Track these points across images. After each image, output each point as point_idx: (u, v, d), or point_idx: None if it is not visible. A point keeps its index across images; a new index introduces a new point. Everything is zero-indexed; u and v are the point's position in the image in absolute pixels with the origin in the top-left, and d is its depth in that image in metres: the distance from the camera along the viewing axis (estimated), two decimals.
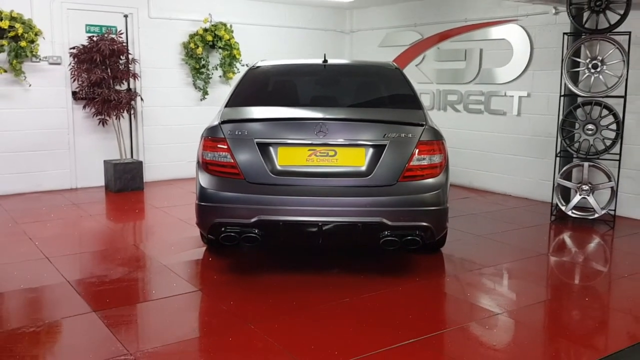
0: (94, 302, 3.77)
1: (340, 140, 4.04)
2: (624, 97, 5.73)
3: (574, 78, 6.11)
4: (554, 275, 4.68)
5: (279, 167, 4.05)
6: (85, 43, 7.13)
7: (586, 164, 6.00)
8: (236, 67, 8.43)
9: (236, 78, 8.38)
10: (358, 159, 4.06)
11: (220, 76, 8.51)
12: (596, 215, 5.96)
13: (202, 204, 4.15)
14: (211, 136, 4.19)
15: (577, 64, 6.03)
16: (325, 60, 5.06)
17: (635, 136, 6.00)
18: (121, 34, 7.45)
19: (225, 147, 4.10)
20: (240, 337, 3.29)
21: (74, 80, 7.21)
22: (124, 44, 7.41)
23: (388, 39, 9.03)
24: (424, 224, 4.00)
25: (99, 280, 4.19)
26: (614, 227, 5.86)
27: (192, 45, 8.05)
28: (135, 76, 7.59)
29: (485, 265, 4.60)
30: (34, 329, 3.37)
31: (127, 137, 7.96)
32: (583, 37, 5.90)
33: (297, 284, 4.12)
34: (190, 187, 7.70)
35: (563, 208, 6.11)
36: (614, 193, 5.94)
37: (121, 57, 7.36)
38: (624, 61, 5.71)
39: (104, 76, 7.13)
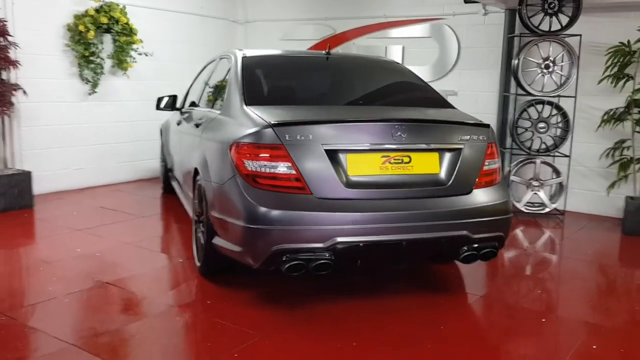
0: None
1: (416, 145, 3.52)
2: (575, 97, 6.03)
3: (518, 78, 6.29)
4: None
5: (351, 178, 3.40)
6: None
7: (538, 160, 6.22)
8: (133, 57, 7.19)
9: (141, 69, 7.23)
10: (433, 165, 3.59)
11: (112, 66, 7.18)
12: (546, 210, 6.22)
13: (254, 227, 3.30)
14: (260, 142, 3.36)
15: (527, 64, 6.20)
16: (328, 52, 4.48)
17: (583, 134, 6.35)
18: None
19: (285, 155, 3.32)
20: None
21: None
22: (5, 22, 5.83)
23: (293, 32, 8.49)
24: (500, 233, 3.68)
25: None
26: (563, 221, 6.16)
27: (81, 28, 6.63)
28: (14, 64, 6.02)
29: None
30: None
31: None
32: (534, 38, 6.08)
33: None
34: (95, 199, 6.45)
35: (517, 205, 6.26)
36: (563, 188, 6.24)
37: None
38: (573, 62, 6.01)
39: None
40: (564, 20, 5.95)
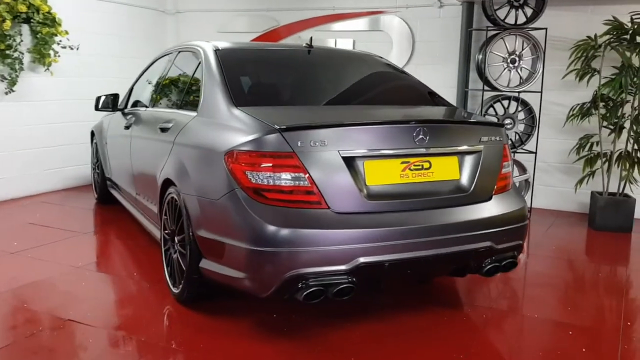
0: None
1: (436, 149, 3.14)
2: (540, 92, 5.92)
3: (483, 73, 6.10)
4: None
5: (371, 189, 2.96)
6: None
7: None
8: (56, 51, 6.33)
9: (66, 65, 6.39)
10: (453, 171, 3.22)
11: (33, 62, 6.28)
12: None
13: (263, 249, 2.79)
14: (267, 150, 2.84)
15: (492, 59, 6.01)
16: (310, 45, 4.04)
17: (547, 130, 6.25)
18: None
19: (297, 164, 2.82)
20: None
21: None
22: None
23: (231, 24, 7.89)
24: (520, 242, 3.39)
25: None
26: (530, 217, 6.04)
27: None
28: None
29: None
30: None
31: None
32: (500, 32, 5.90)
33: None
34: (21, 214, 5.57)
35: None
36: (529, 185, 6.13)
37: None
38: (538, 56, 5.89)
39: None
40: (530, 13, 5.81)
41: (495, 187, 3.33)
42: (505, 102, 6.02)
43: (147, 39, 7.86)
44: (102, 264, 4.35)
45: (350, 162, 2.90)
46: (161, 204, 3.78)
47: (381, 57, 4.39)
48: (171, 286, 3.62)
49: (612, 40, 5.58)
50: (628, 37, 5.52)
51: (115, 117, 5.36)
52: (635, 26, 5.44)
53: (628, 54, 5.43)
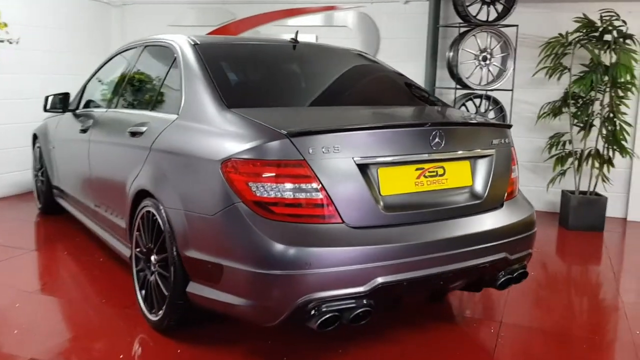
0: None
1: (450, 153, 2.88)
2: (512, 90, 5.81)
3: (452, 70, 5.95)
4: None
5: (387, 199, 2.67)
6: None
7: None
8: None
9: (2, 60, 5.77)
10: (465, 177, 2.98)
11: None
12: None
13: (271, 272, 2.44)
14: (273, 158, 2.50)
15: (463, 57, 5.85)
16: (295, 40, 3.72)
17: (519, 129, 6.14)
18: None
19: (308, 173, 2.49)
20: None
21: None
22: None
23: (185, 17, 7.40)
24: (530, 251, 3.19)
25: None
26: None
27: None
28: None
29: None
30: None
31: None
32: (472, 29, 5.75)
33: None
34: None
35: None
36: None
37: None
38: (509, 54, 5.78)
39: None
40: (502, 11, 5.69)
41: (507, 192, 3.12)
42: (477, 101, 5.88)
43: (91, 33, 7.26)
44: (58, 287, 3.85)
45: (364, 169, 2.61)
46: (132, 217, 3.36)
47: (367, 54, 4.11)
48: (147, 312, 3.20)
49: (581, 38, 5.54)
50: (597, 34, 5.48)
51: (64, 119, 4.82)
52: (605, 24, 5.41)
53: (597, 51, 5.40)
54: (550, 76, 5.66)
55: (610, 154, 5.57)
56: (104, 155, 3.89)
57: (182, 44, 3.40)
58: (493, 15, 5.73)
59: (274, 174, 2.49)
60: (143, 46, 3.97)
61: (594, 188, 5.68)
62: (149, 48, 3.89)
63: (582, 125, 5.65)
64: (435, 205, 2.80)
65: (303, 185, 2.49)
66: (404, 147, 2.72)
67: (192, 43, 3.36)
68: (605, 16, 5.41)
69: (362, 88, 3.68)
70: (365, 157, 2.60)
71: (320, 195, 2.50)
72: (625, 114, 5.54)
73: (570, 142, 5.65)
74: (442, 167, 2.86)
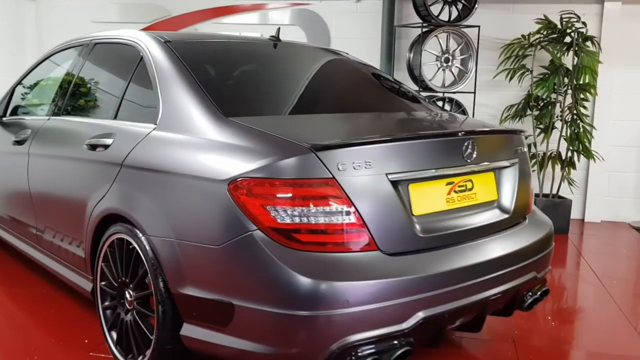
0: None
1: (478, 165, 2.57)
2: (474, 93, 5.64)
3: (413, 72, 5.72)
4: None
5: (420, 220, 2.31)
6: None
7: None
8: None
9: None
10: (491, 190, 2.68)
11: None
12: None
13: (301, 313, 2.02)
14: (296, 176, 2.07)
15: (425, 58, 5.62)
16: (277, 38, 3.30)
17: None
18: None
19: (339, 194, 2.09)
20: None
21: None
22: None
23: (111, 13, 6.70)
24: (550, 267, 2.95)
25: None
26: None
27: None
28: None
29: None
30: None
31: None
32: (434, 29, 5.53)
33: None
34: None
35: None
36: None
37: None
38: (470, 55, 5.61)
39: None
40: (463, 11, 5.51)
41: (528, 205, 2.86)
42: (440, 104, 5.66)
43: (2, 30, 6.43)
44: (6, 326, 3.20)
45: (396, 186, 2.23)
46: (95, 245, 2.81)
47: (347, 54, 3.74)
48: (121, 359, 2.67)
49: (542, 39, 5.46)
50: (556, 36, 5.42)
51: None
52: (565, 26, 5.35)
53: (557, 53, 5.33)
54: (511, 78, 5.56)
55: (574, 156, 5.52)
56: (50, 172, 3.27)
57: (149, 41, 2.89)
58: (454, 15, 5.53)
59: (296, 196, 2.07)
60: (92, 44, 3.39)
61: (557, 191, 5.62)
62: (101, 46, 3.32)
63: (541, 127, 5.57)
64: (468, 223, 2.48)
65: (332, 208, 2.08)
66: (436, 159, 2.38)
67: (163, 40, 2.86)
68: (565, 17, 5.35)
69: (370, 93, 3.31)
70: (398, 173, 2.23)
71: (352, 219, 2.10)
72: (587, 116, 5.51)
73: (535, 145, 5.55)
74: (471, 181, 2.55)
